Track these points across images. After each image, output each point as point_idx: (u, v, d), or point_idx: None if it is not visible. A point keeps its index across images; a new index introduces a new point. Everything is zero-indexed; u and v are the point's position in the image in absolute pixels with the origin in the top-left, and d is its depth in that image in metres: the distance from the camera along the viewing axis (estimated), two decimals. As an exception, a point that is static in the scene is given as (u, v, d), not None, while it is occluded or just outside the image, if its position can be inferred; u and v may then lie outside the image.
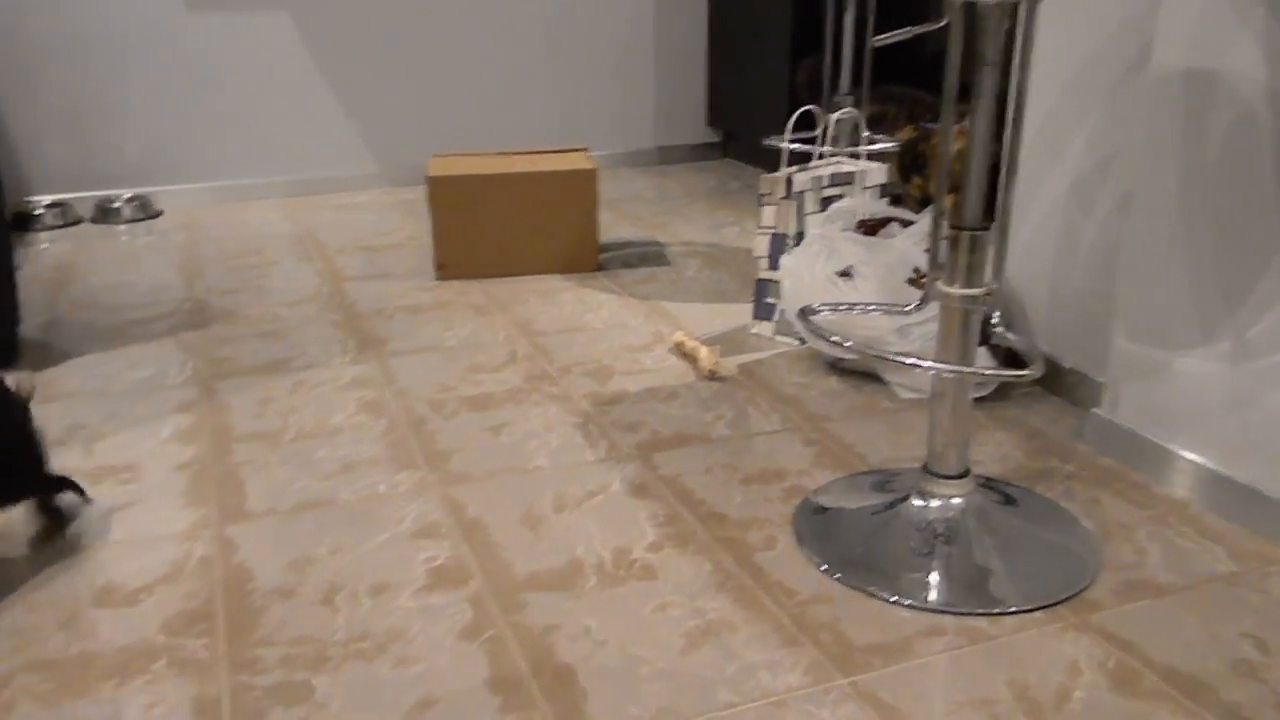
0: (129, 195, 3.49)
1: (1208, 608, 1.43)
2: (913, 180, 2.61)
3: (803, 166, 2.41)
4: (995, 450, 1.88)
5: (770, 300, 2.41)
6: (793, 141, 2.40)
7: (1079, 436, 1.93)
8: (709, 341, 2.35)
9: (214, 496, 1.74)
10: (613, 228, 3.38)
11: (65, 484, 1.69)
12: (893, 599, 1.45)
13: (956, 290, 1.48)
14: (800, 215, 2.36)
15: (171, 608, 1.45)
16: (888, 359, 1.63)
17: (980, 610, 1.42)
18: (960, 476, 1.59)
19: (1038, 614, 1.42)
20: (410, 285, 2.83)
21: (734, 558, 1.56)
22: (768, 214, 2.38)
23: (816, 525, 1.63)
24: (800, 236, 2.35)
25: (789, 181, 2.32)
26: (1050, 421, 1.99)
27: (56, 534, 1.63)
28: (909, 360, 1.50)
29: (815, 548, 1.57)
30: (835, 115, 2.47)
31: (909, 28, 1.99)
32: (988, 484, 1.72)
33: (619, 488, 1.76)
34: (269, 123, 3.71)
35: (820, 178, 2.37)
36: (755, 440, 1.93)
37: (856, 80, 2.55)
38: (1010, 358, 2.03)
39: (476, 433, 1.97)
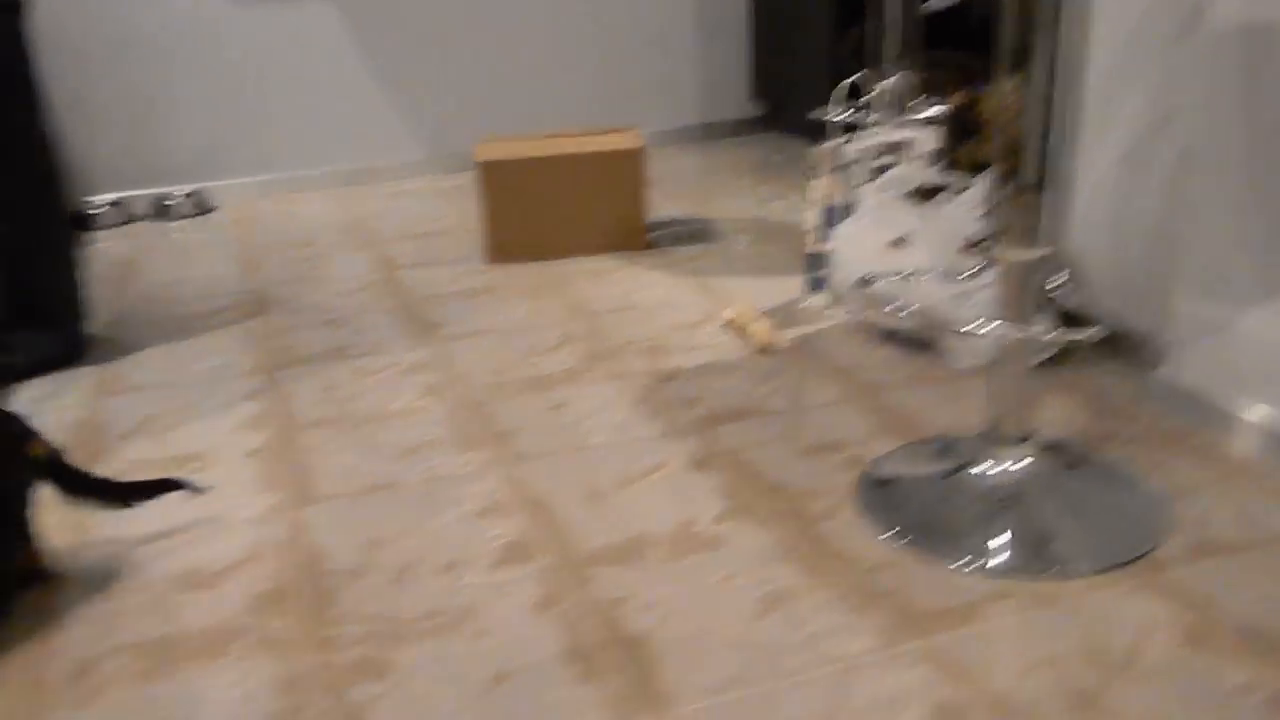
0: (183, 191, 3.56)
1: (1279, 565, 1.43)
2: (964, 146, 2.60)
3: (852, 137, 2.41)
4: (1058, 414, 1.88)
5: (822, 273, 2.42)
6: (841, 112, 2.40)
7: (1143, 399, 1.92)
8: (762, 316, 2.37)
9: (285, 481, 1.80)
10: (660, 205, 3.39)
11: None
12: (958, 564, 1.46)
13: (1015, 254, 1.48)
14: (851, 186, 2.36)
15: (251, 589, 1.50)
16: (947, 326, 1.64)
17: (1047, 573, 1.43)
18: (1023, 441, 1.60)
19: (1106, 575, 1.43)
20: (462, 270, 2.87)
21: (797, 528, 1.58)
22: (817, 186, 2.39)
23: (879, 494, 1.65)
24: (851, 207, 2.35)
25: (839, 153, 2.32)
26: (1113, 384, 1.99)
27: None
28: (969, 327, 1.51)
29: (879, 516, 1.59)
30: (883, 83, 2.47)
31: (957, -9, 1.98)
32: (1051, 448, 1.72)
33: (680, 462, 1.79)
34: (317, 113, 3.77)
35: (870, 147, 2.37)
36: (813, 412, 1.95)
37: (904, 47, 2.54)
38: (1071, 320, 2.02)
39: (536, 412, 2.01)
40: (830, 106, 2.38)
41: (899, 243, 2.13)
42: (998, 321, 1.54)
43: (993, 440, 1.61)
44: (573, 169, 2.86)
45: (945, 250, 2.09)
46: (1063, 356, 2.08)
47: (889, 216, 2.18)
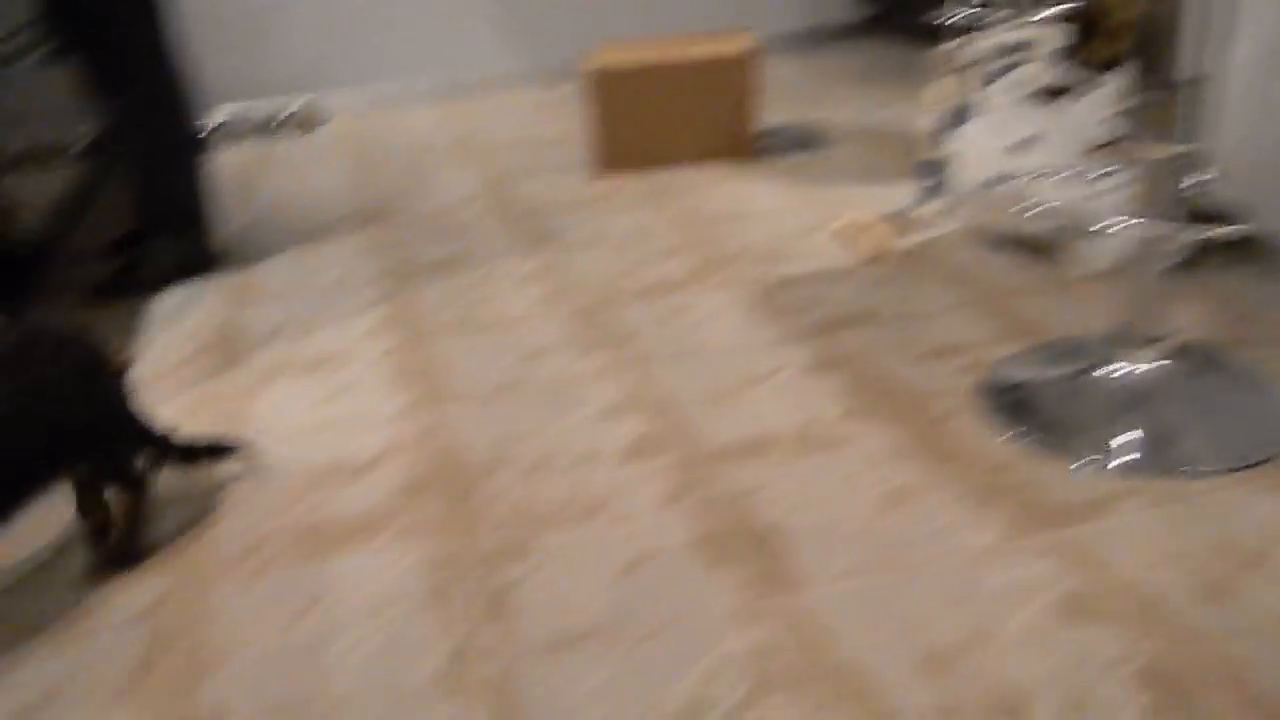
0: (296, 104, 3.67)
1: None
2: (1093, 42, 2.54)
3: (971, 38, 2.37)
4: (1190, 317, 1.87)
5: (938, 179, 2.41)
6: (959, 12, 2.36)
7: (1277, 302, 1.90)
8: (875, 223, 2.38)
9: (418, 382, 1.90)
10: (767, 113, 3.39)
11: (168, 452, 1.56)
12: (1083, 463, 1.49)
13: (1151, 151, 1.48)
14: (971, 88, 2.33)
15: (396, 479, 1.61)
16: (1076, 229, 1.64)
17: (1175, 472, 1.45)
18: (1153, 343, 1.60)
19: (1234, 476, 1.44)
20: (572, 180, 2.92)
21: (919, 428, 1.62)
22: (935, 89, 2.37)
23: (1001, 396, 1.68)
24: (971, 111, 2.33)
25: (959, 54, 2.30)
26: (1247, 287, 1.96)
27: (132, 508, 1.49)
28: (1101, 227, 1.51)
29: (1001, 417, 1.62)
30: (1005, -19, 2.42)
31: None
32: (1182, 350, 1.72)
33: (798, 366, 1.84)
34: (424, 25, 3.83)
35: (992, 48, 2.34)
36: (930, 318, 1.97)
37: (1027, -58, 2.47)
38: (1207, 221, 2.00)
39: (653, 318, 2.07)
40: (948, 6, 2.34)
41: (1024, 145, 2.12)
42: (1131, 221, 1.54)
43: (1121, 342, 1.62)
44: (682, 76, 2.87)
45: (1073, 151, 2.07)
46: (1197, 258, 2.05)
47: (1013, 118, 2.16)
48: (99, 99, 2.29)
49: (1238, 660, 1.14)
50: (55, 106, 3.07)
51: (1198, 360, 1.71)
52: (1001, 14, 2.42)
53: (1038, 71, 2.27)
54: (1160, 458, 1.48)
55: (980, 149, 2.19)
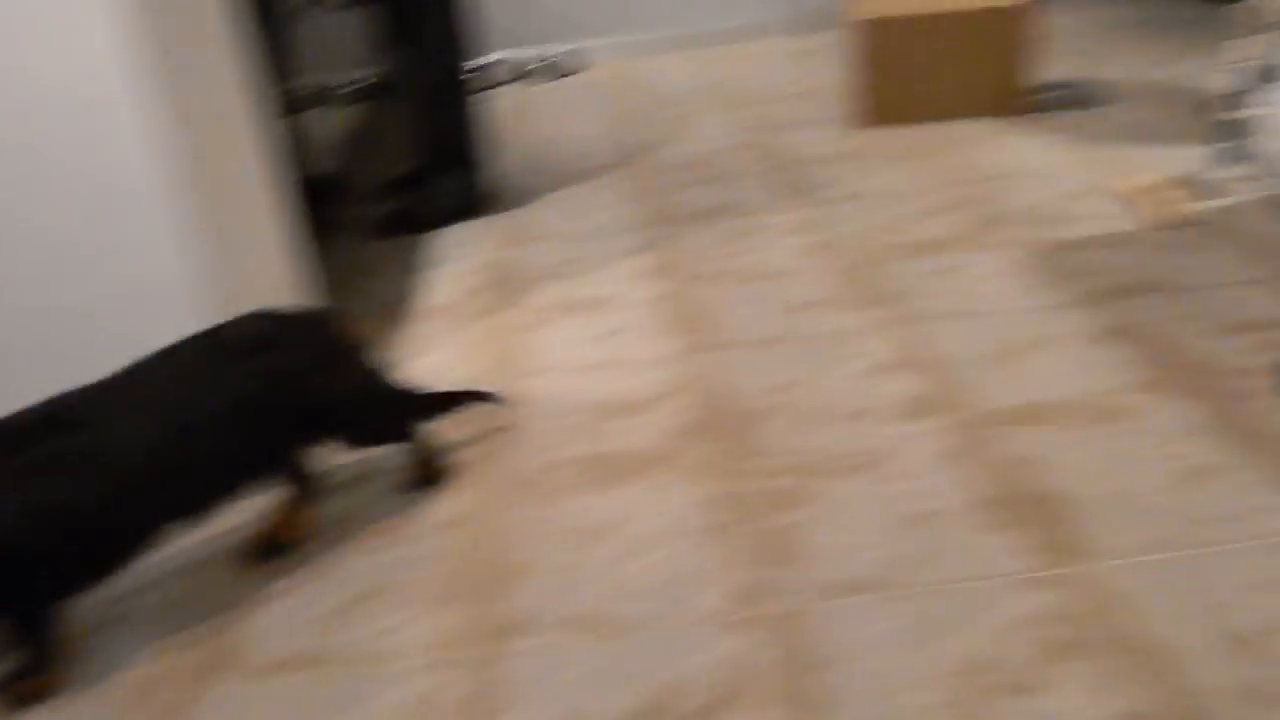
0: (556, 51, 3.82)
1: None
2: None
3: (1290, -12, 2.23)
4: None
5: (1238, 142, 2.29)
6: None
7: None
8: (1164, 186, 2.28)
9: (688, 327, 1.98)
10: (1043, 66, 3.27)
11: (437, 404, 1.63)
12: None
13: None
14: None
15: (671, 421, 1.70)
16: None
17: None
18: None
19: None
20: (831, 133, 2.93)
21: (1216, 405, 1.58)
22: (1239, 46, 2.24)
23: (1311, 377, 1.60)
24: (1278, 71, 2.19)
25: (1268, 9, 2.16)
26: None
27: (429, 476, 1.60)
28: None
29: (1311, 399, 1.55)
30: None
31: None
32: None
33: (1081, 333, 1.81)
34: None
35: (1312, 0, 2.19)
36: (1225, 291, 1.89)
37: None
38: None
39: (922, 276, 2.07)
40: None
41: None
42: None
43: None
44: (954, 26, 2.82)
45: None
46: None
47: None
48: (389, 43, 2.48)
49: None
50: (349, 49, 3.32)
51: None
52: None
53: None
54: None
55: (1295, 111, 2.06)
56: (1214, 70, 2.54)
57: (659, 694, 1.19)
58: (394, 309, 2.18)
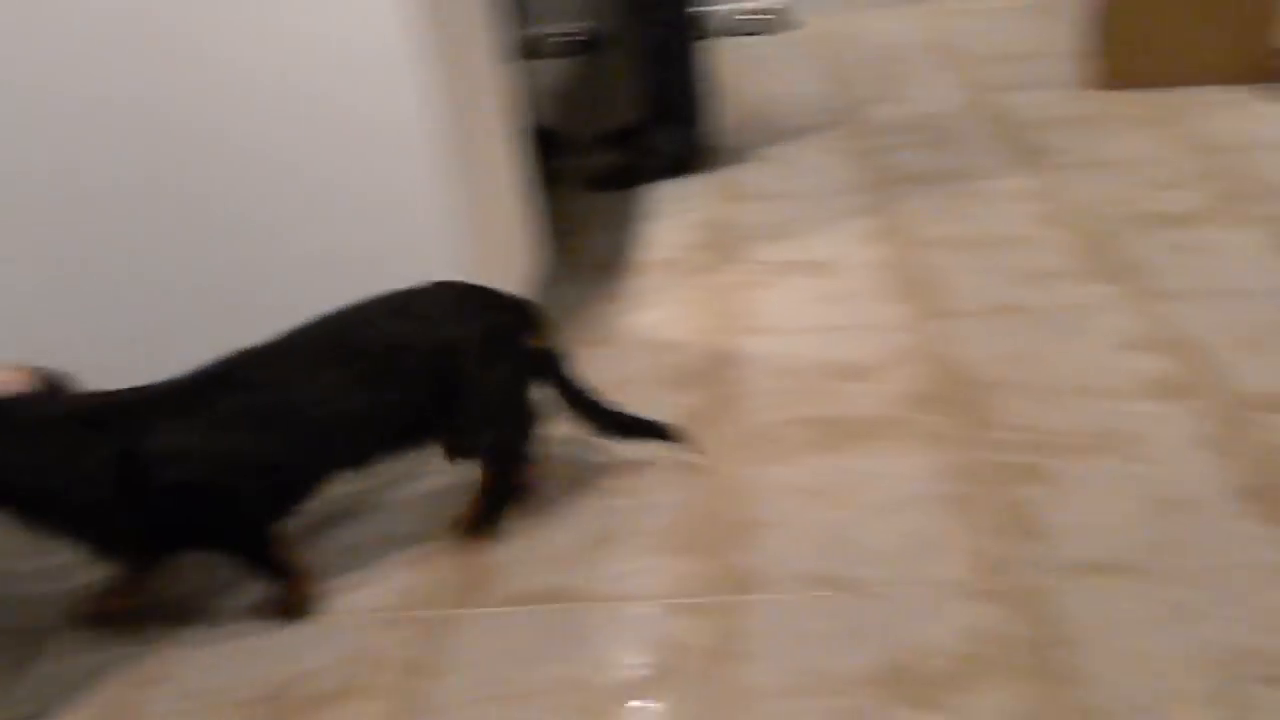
0: (765, 6, 3.80)
1: None
2: None
3: None
4: None
5: None
6: None
7: None
8: None
9: (913, 293, 1.97)
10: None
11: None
12: None
13: None
14: None
15: (902, 387, 1.70)
16: None
17: None
18: None
19: None
20: (1062, 95, 2.83)
21: None
22: None
23: None
24: None
25: None
26: None
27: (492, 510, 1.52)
28: None
29: None
30: None
31: None
32: None
33: (1350, 318, 1.72)
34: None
35: None
36: None
37: None
38: None
39: (1167, 250, 2.00)
40: None
41: None
42: None
43: None
44: (1206, -15, 2.67)
45: None
46: None
47: None
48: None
49: None
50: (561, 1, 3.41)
51: None
52: None
53: None
54: None
55: None
56: None
57: (900, 658, 1.21)
58: (612, 261, 2.24)
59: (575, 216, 2.43)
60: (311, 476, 1.39)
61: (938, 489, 1.47)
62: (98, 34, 1.49)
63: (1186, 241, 2.02)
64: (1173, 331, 1.75)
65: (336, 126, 1.55)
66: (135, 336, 1.65)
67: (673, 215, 2.43)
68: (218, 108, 1.54)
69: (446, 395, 1.39)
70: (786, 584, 1.34)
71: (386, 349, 1.37)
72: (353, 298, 1.41)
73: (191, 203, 1.62)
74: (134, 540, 1.32)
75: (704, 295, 2.07)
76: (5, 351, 1.39)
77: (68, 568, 1.39)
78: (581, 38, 3.52)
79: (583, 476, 1.57)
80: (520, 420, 1.48)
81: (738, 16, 3.71)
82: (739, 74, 3.33)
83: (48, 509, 1.27)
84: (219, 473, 1.29)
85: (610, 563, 1.41)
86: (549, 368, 1.49)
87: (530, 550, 1.45)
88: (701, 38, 2.63)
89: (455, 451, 1.47)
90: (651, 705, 1.21)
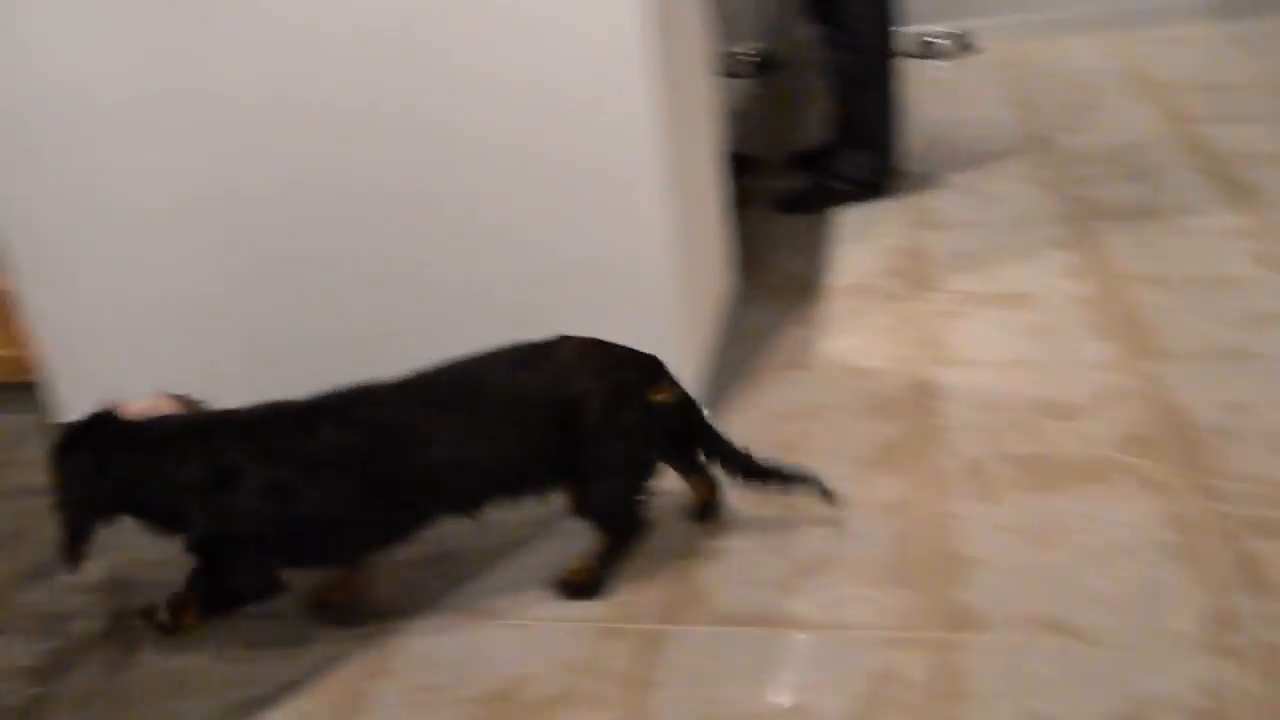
0: (948, 31, 3.77)
1: None
2: None
3: None
4: None
5: None
6: None
7: None
8: None
9: (1123, 332, 1.93)
10: None
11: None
12: None
13: None
14: None
15: (1117, 429, 1.67)
16: None
17: None
18: None
19: None
20: (1269, 130, 2.74)
21: None
22: None
23: None
24: None
25: None
26: None
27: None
28: None
29: None
30: None
31: None
32: None
33: None
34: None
35: None
36: None
37: None
38: None
39: (1402, 299, 1.92)
40: None
41: None
42: None
43: None
44: None
45: None
46: None
47: None
48: (812, 16, 2.55)
49: None
50: (745, 19, 3.45)
51: None
52: None
53: None
54: None
55: None
56: None
57: (1133, 710, 1.19)
58: (802, 285, 2.25)
59: (764, 239, 2.45)
60: (411, 521, 1.42)
61: (1158, 536, 1.44)
62: (370, 50, 1.58)
63: None
64: None
65: (575, 143, 1.61)
66: (402, 340, 1.64)
67: (862, 240, 2.43)
68: (484, 116, 1.61)
69: (569, 449, 1.40)
70: (1007, 624, 1.33)
71: (510, 400, 1.40)
72: (576, 308, 1.46)
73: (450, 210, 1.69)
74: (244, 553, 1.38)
75: (898, 323, 2.07)
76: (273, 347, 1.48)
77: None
78: (755, 58, 3.55)
79: (786, 502, 1.58)
80: (638, 478, 1.47)
81: (923, 39, 3.68)
82: (924, 98, 3.31)
83: (154, 514, 1.36)
84: (289, 513, 1.34)
85: (821, 590, 1.42)
86: (681, 421, 1.50)
87: (740, 571, 1.47)
88: (896, 62, 2.63)
89: (575, 506, 1.46)
90: (870, 737, 1.22)
